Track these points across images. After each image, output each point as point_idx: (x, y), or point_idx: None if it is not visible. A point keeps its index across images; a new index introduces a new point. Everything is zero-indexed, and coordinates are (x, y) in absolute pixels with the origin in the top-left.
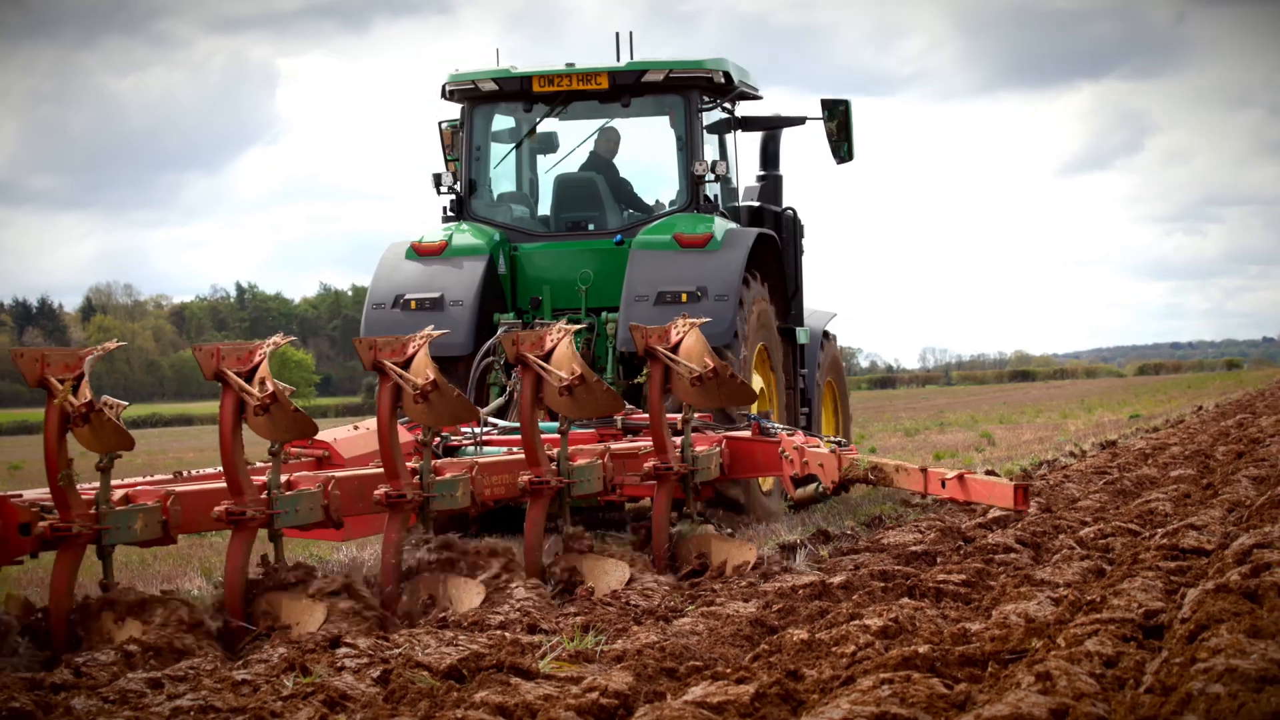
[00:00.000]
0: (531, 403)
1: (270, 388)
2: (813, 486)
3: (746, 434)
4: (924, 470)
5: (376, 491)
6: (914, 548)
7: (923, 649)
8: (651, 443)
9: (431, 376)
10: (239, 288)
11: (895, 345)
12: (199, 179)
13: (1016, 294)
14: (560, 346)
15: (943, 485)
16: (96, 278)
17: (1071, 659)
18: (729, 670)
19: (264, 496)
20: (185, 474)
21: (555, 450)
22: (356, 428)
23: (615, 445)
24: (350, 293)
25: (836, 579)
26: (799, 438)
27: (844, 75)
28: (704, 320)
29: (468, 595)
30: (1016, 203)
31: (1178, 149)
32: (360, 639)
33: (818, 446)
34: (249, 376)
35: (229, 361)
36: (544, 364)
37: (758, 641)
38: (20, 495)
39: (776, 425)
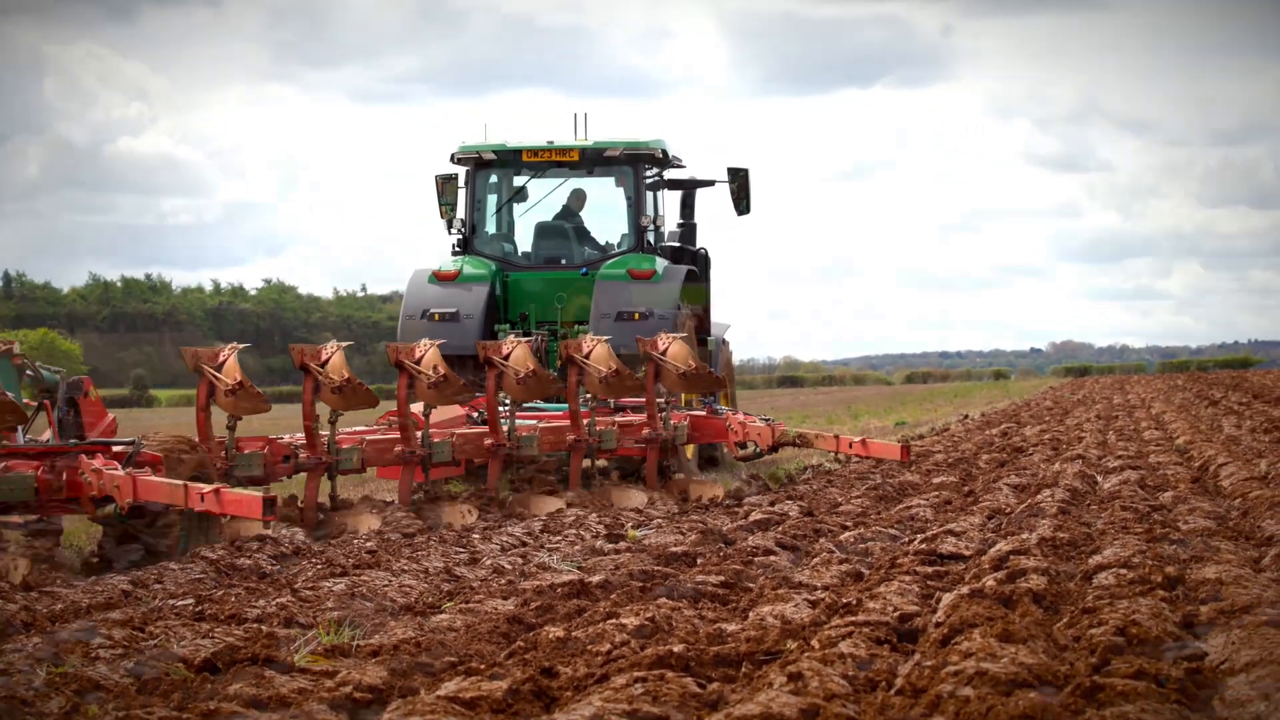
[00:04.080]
0: (575, 388)
1: (443, 371)
2: (750, 448)
3: (702, 413)
4: (836, 436)
5: (486, 442)
6: (675, 549)
7: (678, 648)
8: (639, 418)
9: (531, 366)
10: (6, 276)
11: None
12: None
13: (785, 300)
14: (597, 349)
15: (850, 446)
16: None
17: (825, 660)
18: (483, 666)
19: (420, 445)
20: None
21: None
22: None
23: (618, 419)
24: (120, 284)
25: (595, 578)
26: (741, 415)
27: (612, 77)
28: (682, 335)
29: (543, 507)
30: (786, 208)
31: (945, 159)
32: (115, 630)
33: (755, 421)
34: (418, 363)
35: (405, 354)
36: (586, 361)
37: (514, 639)
38: (282, 437)
39: (723, 407)
